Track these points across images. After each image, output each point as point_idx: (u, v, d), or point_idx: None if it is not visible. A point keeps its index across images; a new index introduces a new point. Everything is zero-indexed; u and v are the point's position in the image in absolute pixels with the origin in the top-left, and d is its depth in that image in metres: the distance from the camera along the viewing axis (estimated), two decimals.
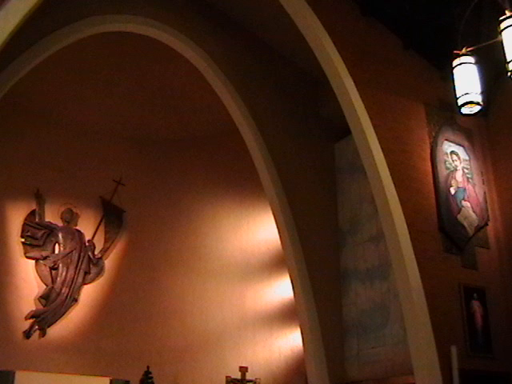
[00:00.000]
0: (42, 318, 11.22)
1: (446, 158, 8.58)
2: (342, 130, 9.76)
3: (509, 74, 5.48)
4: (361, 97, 8.07)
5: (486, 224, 8.65)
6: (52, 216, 11.96)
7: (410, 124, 8.53)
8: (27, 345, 10.98)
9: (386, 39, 8.86)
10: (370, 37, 8.73)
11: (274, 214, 9.84)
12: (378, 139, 7.99)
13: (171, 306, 12.08)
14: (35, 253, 11.58)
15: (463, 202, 8.48)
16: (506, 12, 5.59)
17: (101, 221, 12.33)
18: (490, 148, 9.23)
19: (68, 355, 11.14)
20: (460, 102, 6.12)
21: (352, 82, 8.08)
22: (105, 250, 12.22)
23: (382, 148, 7.97)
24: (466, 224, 8.36)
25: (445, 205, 8.24)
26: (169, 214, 12.61)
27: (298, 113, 10.37)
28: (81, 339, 11.38)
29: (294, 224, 9.57)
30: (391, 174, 7.91)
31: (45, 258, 11.63)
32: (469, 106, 6.14)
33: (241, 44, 10.18)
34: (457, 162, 8.70)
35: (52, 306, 11.37)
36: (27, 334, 11.04)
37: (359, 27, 8.68)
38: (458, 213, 8.35)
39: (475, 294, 8.07)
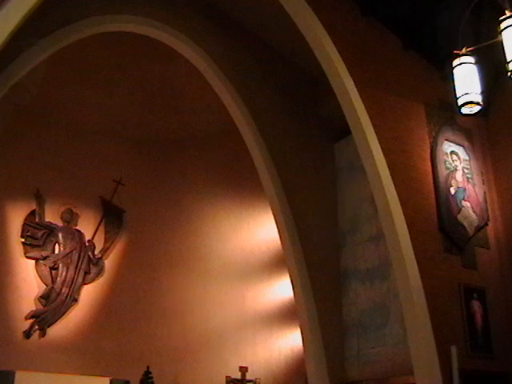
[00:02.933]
0: (42, 318, 11.21)
1: (446, 157, 8.57)
2: (341, 130, 9.75)
3: (509, 73, 5.47)
4: (361, 97, 8.06)
5: (486, 224, 8.65)
6: (52, 216, 11.96)
7: (410, 124, 8.52)
8: (27, 345, 10.97)
9: (385, 39, 8.85)
10: (370, 37, 8.72)
11: (274, 214, 9.83)
12: (378, 139, 7.99)
13: (171, 306, 12.07)
14: (35, 253, 11.57)
15: (463, 202, 8.48)
16: (506, 12, 5.59)
17: (101, 221, 12.33)
18: (490, 148, 9.23)
19: (68, 355, 11.13)
20: (460, 102, 6.10)
21: (352, 82, 8.07)
22: (105, 250, 12.22)
23: (381, 148, 7.96)
24: (466, 224, 8.36)
25: (445, 205, 8.23)
26: (169, 214, 12.60)
27: (298, 113, 10.36)
28: (81, 339, 11.37)
29: (294, 224, 9.57)
30: (391, 174, 7.90)
31: (45, 258, 11.62)
32: (469, 106, 6.12)
33: (241, 44, 10.17)
34: (457, 161, 8.70)
35: (52, 305, 11.36)
36: (27, 334, 11.04)
37: (359, 27, 8.67)
38: (458, 213, 8.35)
39: (475, 294, 8.07)
